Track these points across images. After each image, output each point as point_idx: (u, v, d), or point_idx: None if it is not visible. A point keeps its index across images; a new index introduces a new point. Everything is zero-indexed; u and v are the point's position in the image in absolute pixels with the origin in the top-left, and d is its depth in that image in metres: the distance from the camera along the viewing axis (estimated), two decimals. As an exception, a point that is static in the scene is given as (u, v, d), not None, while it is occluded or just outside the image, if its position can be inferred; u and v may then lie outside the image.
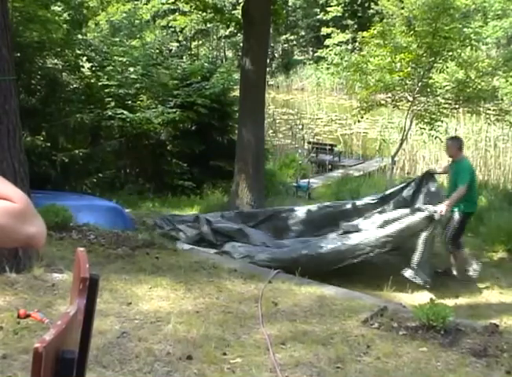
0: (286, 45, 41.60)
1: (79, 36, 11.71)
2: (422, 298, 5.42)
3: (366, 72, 11.65)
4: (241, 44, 9.64)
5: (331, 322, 4.21)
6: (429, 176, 7.39)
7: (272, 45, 34.97)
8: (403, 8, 15.58)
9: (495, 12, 30.11)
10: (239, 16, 8.94)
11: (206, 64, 13.09)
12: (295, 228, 7.72)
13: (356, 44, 18.07)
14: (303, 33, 41.41)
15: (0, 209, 0.96)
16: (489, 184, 13.45)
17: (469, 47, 11.52)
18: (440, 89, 12.21)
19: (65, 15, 11.45)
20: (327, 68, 29.51)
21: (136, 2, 25.76)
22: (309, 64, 38.70)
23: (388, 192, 7.86)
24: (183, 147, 11.60)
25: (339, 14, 37.70)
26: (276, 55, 40.44)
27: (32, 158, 8.39)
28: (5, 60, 4.74)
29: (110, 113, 10.69)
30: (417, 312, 4.08)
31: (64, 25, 10.91)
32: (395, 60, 11.27)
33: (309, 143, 18.30)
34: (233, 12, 15.72)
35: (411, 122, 11.57)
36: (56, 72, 10.95)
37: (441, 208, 6.31)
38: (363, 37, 12.09)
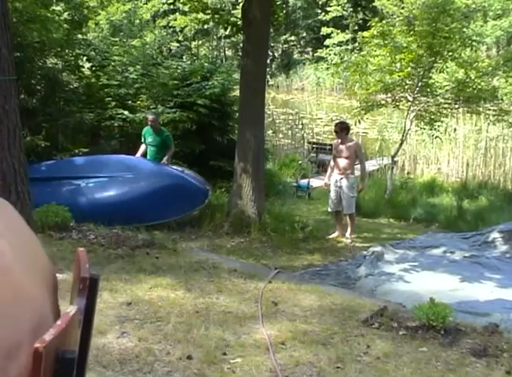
0: (286, 45, 41.58)
1: (79, 36, 11.71)
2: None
3: (366, 72, 11.67)
4: (241, 44, 9.62)
5: (331, 322, 4.20)
6: None
7: (272, 45, 34.94)
8: (403, 8, 15.57)
9: (495, 11, 30.10)
10: (239, 17, 8.92)
11: (206, 64, 13.06)
12: None
13: (356, 44, 18.05)
14: (304, 34, 41.39)
15: None
16: (489, 184, 13.45)
17: (470, 47, 11.54)
18: (440, 89, 12.23)
19: (65, 15, 11.44)
20: (327, 68, 29.53)
21: (136, 2, 25.71)
22: (309, 64, 38.69)
23: None
24: (183, 147, 11.58)
25: (339, 14, 37.66)
26: (276, 55, 40.42)
27: (32, 158, 8.39)
28: (5, 60, 4.74)
29: (110, 113, 10.68)
30: (417, 312, 4.07)
31: (64, 25, 10.91)
32: (395, 60, 11.28)
33: (309, 143, 18.28)
34: (233, 12, 15.68)
35: (411, 122, 11.59)
36: (56, 72, 10.94)
37: None
38: (363, 37, 12.10)
